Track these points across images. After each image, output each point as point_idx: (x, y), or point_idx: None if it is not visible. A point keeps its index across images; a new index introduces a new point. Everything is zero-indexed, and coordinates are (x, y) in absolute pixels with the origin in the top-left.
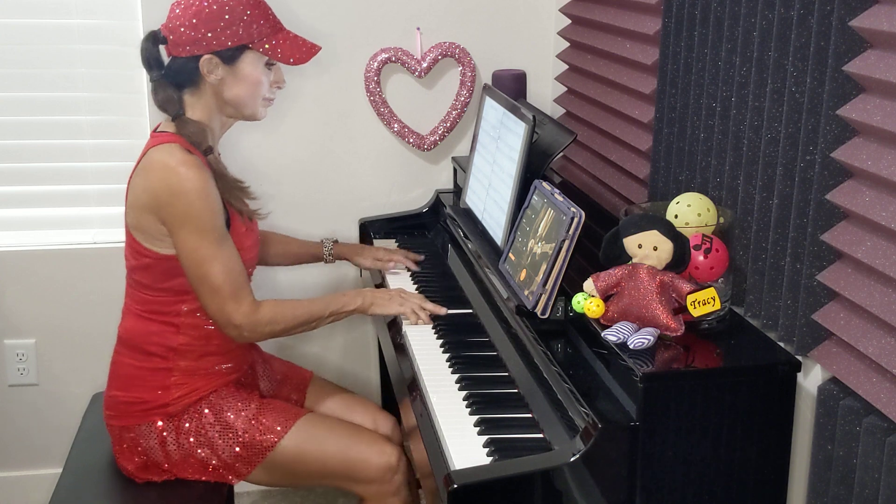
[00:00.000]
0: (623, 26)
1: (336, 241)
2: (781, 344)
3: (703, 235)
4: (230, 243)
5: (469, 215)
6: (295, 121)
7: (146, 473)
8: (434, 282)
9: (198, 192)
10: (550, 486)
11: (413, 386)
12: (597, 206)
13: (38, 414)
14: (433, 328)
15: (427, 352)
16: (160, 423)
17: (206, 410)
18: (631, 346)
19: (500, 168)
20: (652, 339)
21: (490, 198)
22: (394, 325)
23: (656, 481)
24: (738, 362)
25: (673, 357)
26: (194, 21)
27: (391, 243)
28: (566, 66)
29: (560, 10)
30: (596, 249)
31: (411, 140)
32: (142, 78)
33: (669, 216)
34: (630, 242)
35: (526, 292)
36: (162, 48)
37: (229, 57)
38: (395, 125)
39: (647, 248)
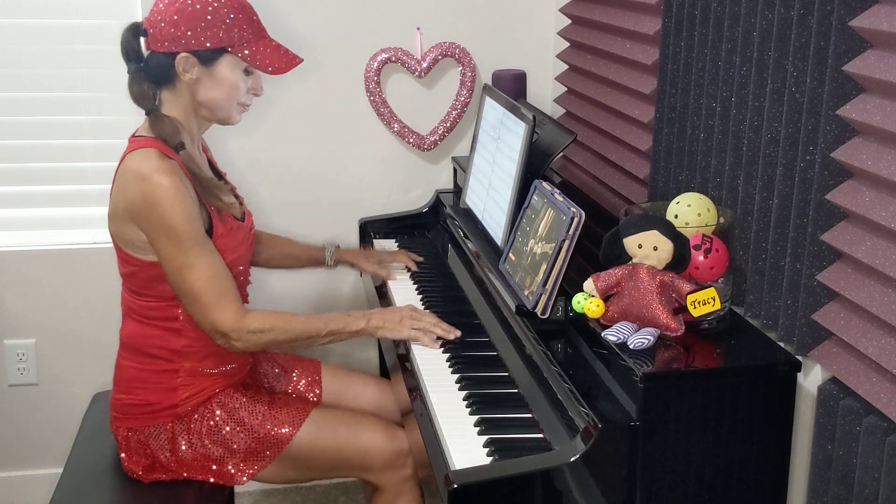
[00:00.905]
0: (623, 26)
1: (338, 247)
2: (781, 344)
3: (703, 235)
4: (210, 249)
5: (469, 215)
6: (295, 121)
7: (153, 474)
8: (434, 282)
9: (171, 200)
10: (550, 486)
11: (413, 386)
12: (597, 206)
13: (38, 414)
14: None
15: (427, 352)
16: (170, 425)
17: (218, 410)
18: (631, 346)
19: (500, 168)
20: (652, 339)
21: (490, 198)
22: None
23: (656, 481)
24: (738, 362)
25: (673, 357)
26: (176, 18)
27: (391, 243)
28: (566, 66)
29: (560, 10)
30: (596, 249)
31: (411, 140)
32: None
33: (669, 216)
34: (630, 242)
35: (526, 292)
36: (143, 41)
37: (207, 58)
38: (395, 125)
39: (647, 248)
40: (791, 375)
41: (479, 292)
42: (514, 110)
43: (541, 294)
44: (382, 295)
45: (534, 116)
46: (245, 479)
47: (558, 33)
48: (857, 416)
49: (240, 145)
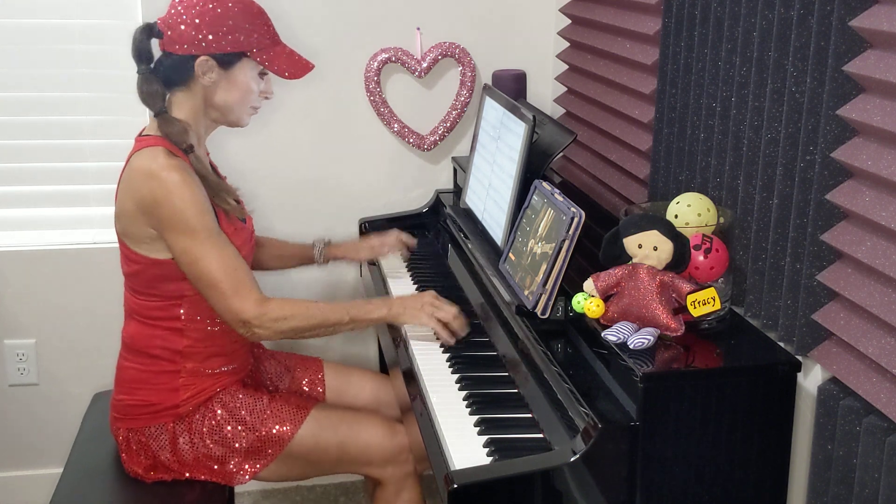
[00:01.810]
0: (623, 26)
1: (329, 243)
2: (781, 344)
3: (703, 235)
4: (224, 239)
5: (469, 215)
6: (295, 121)
7: (155, 474)
8: (434, 282)
9: (182, 193)
10: (550, 486)
11: (413, 386)
12: (597, 206)
13: (38, 414)
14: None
15: (427, 351)
16: (171, 425)
17: (219, 409)
18: (631, 346)
19: (500, 168)
20: (652, 339)
21: (490, 198)
22: (393, 324)
23: (656, 481)
24: (738, 362)
25: (673, 357)
26: (197, 21)
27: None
28: (566, 66)
29: (560, 10)
30: (596, 249)
31: (411, 140)
32: (154, 56)
33: (669, 216)
34: (630, 242)
35: (526, 292)
36: (154, 42)
37: (226, 62)
38: (395, 125)
39: (647, 248)
40: (791, 375)
41: (479, 292)
42: (514, 110)
43: (541, 294)
44: (385, 292)
45: (534, 116)
46: (247, 477)
47: (558, 33)
48: (857, 416)
49: (239, 146)
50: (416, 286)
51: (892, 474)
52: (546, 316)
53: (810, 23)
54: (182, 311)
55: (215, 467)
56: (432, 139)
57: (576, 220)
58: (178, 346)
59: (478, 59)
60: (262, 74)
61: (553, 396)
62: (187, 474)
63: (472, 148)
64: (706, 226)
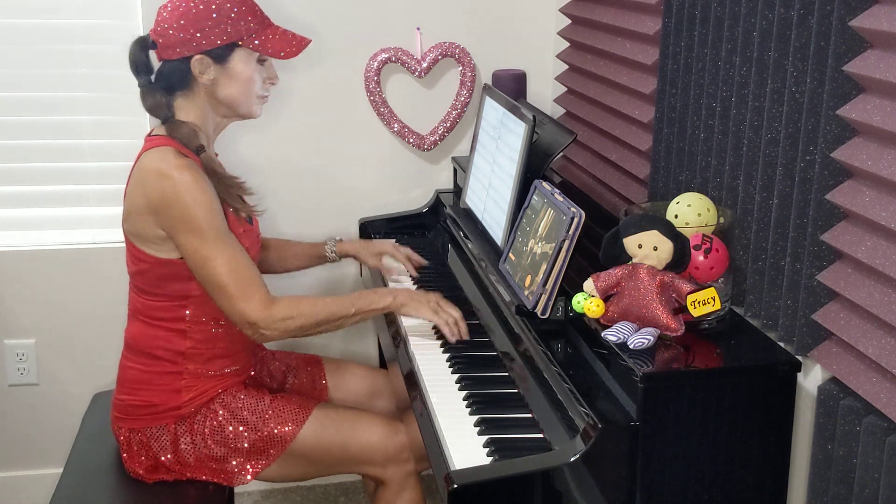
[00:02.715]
0: (623, 26)
1: (340, 240)
2: (781, 344)
3: (703, 235)
4: (233, 240)
5: (469, 215)
6: (295, 121)
7: (156, 474)
8: (434, 282)
9: (193, 194)
10: (550, 486)
11: (413, 386)
12: (597, 206)
13: (38, 414)
14: (434, 328)
15: (427, 352)
16: (172, 426)
17: (221, 410)
18: (631, 346)
19: (500, 168)
20: (652, 339)
21: (490, 198)
22: (393, 324)
23: (656, 481)
24: (738, 362)
25: (673, 357)
26: (182, 22)
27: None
28: (566, 66)
29: (560, 10)
30: (596, 249)
31: (411, 140)
32: (153, 67)
33: (669, 216)
34: (630, 242)
35: (526, 292)
36: (152, 53)
37: (220, 56)
38: (395, 125)
39: (647, 248)
40: (791, 375)
41: (479, 292)
42: (514, 110)
43: (541, 294)
44: None
45: (534, 116)
46: (249, 477)
47: (558, 33)
48: (857, 416)
49: (239, 146)
50: (416, 286)
51: (892, 474)
52: (546, 316)
53: (810, 23)
54: (188, 311)
55: (217, 468)
56: (432, 139)
57: (576, 220)
58: (181, 347)
59: (478, 59)
60: (261, 61)
61: (553, 396)
62: (188, 475)
63: (472, 148)
64: (706, 226)
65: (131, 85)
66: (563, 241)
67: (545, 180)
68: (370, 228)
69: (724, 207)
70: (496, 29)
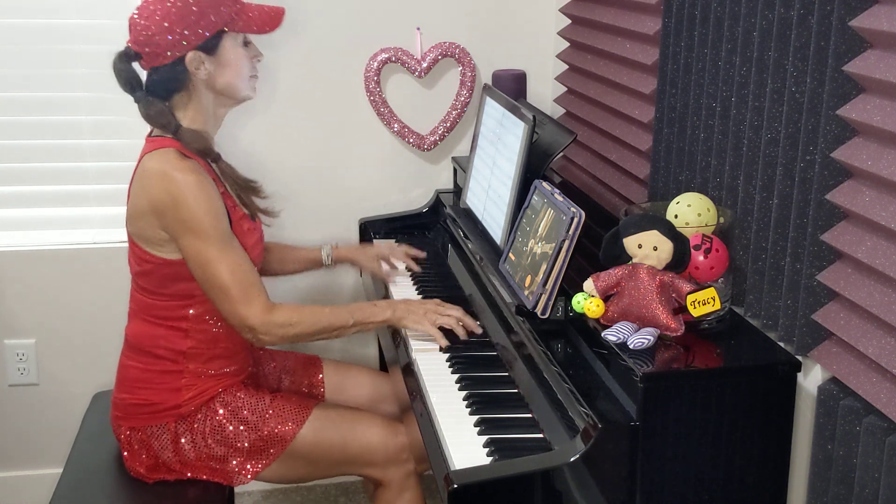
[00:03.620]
0: (623, 26)
1: (336, 246)
2: (781, 344)
3: (703, 235)
4: (236, 244)
5: (469, 215)
6: (295, 121)
7: (156, 473)
8: (434, 282)
9: (196, 196)
10: (550, 486)
11: (413, 386)
12: (597, 206)
13: (38, 414)
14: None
15: (427, 351)
16: (172, 425)
17: (221, 409)
18: (631, 346)
19: (500, 168)
20: (652, 339)
21: (490, 198)
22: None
23: (656, 481)
24: (738, 362)
25: (673, 357)
26: (166, 24)
27: (391, 243)
28: (566, 66)
29: (560, 10)
30: (596, 249)
31: (411, 140)
32: (141, 77)
33: (669, 216)
34: (630, 242)
35: (526, 292)
36: (136, 65)
37: (211, 47)
38: (395, 125)
39: (647, 248)
40: (791, 375)
41: (479, 292)
42: (514, 110)
43: (541, 294)
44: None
45: (534, 116)
46: (248, 477)
47: (558, 33)
48: (857, 416)
49: (239, 146)
50: (415, 287)
51: (892, 474)
52: (546, 316)
53: (810, 23)
54: (191, 311)
55: (217, 467)
56: (432, 139)
57: (576, 220)
58: (182, 346)
59: (478, 59)
60: (245, 42)
61: (553, 396)
62: (189, 474)
63: (472, 148)
64: (706, 226)
65: None
66: (563, 241)
67: (545, 180)
68: (370, 228)
69: (724, 207)
70: (496, 29)
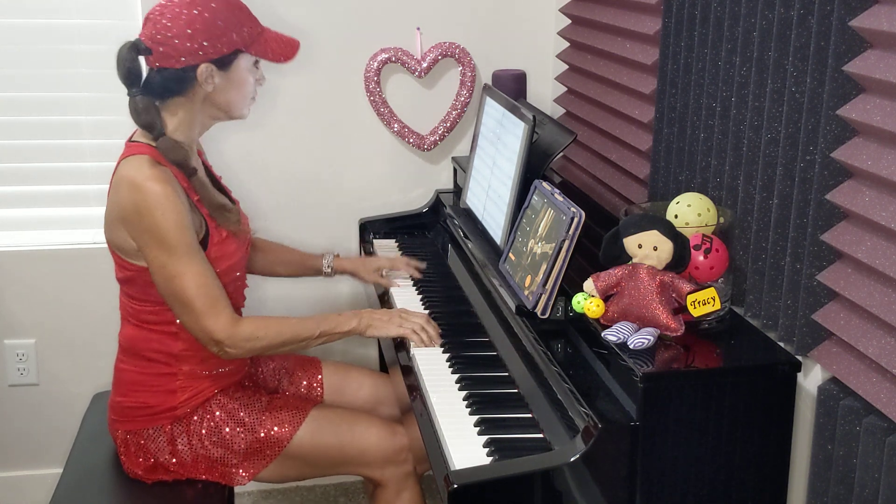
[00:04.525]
0: (623, 26)
1: (337, 255)
2: (781, 344)
3: (703, 235)
4: (201, 257)
5: (469, 215)
6: (295, 121)
7: (154, 474)
8: (434, 282)
9: (163, 208)
10: (550, 486)
11: (413, 386)
12: (597, 206)
13: (38, 414)
14: None
15: (427, 352)
16: (169, 427)
17: (217, 411)
18: (631, 346)
19: (499, 168)
20: (652, 339)
21: (490, 198)
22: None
23: (656, 481)
24: (738, 362)
25: (673, 357)
26: (189, 31)
27: (391, 243)
28: (566, 66)
29: (560, 10)
30: (596, 249)
31: (411, 140)
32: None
33: (669, 216)
34: (630, 242)
35: (526, 292)
36: (141, 59)
37: (225, 63)
38: (395, 125)
39: (647, 248)
40: (791, 375)
41: (479, 292)
42: (514, 110)
43: (541, 294)
44: (384, 301)
45: (534, 116)
46: (246, 478)
47: (558, 33)
48: (857, 416)
49: (238, 146)
50: (415, 287)
51: (892, 474)
52: (546, 316)
53: (810, 23)
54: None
55: (215, 468)
56: (432, 139)
57: (576, 220)
58: (174, 349)
59: (478, 59)
60: (255, 64)
61: (553, 396)
62: (187, 475)
63: (472, 148)
64: (706, 226)
65: None
66: (563, 241)
67: (545, 180)
68: (370, 228)
69: (724, 207)
70: (496, 29)
